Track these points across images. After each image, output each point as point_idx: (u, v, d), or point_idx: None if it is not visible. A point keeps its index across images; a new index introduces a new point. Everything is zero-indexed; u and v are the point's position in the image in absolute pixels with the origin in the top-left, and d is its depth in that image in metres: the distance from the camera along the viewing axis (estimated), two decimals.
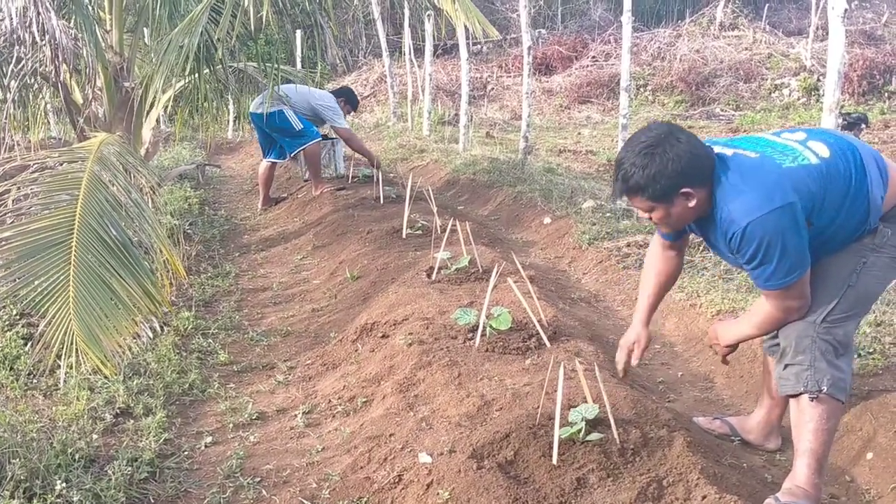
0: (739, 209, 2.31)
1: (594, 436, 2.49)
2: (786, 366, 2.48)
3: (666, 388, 3.54)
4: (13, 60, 4.62)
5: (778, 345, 2.59)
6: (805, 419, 2.43)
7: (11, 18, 4.22)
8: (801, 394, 2.43)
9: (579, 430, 2.50)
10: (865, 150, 2.48)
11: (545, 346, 3.35)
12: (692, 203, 2.39)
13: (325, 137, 7.71)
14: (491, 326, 3.46)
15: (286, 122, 7.13)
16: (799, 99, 14.28)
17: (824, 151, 2.42)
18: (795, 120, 12.40)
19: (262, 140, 7.60)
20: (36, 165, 4.19)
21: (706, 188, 2.39)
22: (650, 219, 2.51)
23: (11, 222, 3.73)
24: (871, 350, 3.26)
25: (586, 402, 2.59)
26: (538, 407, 2.69)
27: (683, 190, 2.37)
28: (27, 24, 4.25)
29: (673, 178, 2.34)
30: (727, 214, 2.35)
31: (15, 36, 4.26)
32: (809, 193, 2.34)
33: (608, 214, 5.97)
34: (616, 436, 2.50)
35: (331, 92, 7.82)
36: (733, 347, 2.78)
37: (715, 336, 2.80)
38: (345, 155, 8.48)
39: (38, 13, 4.29)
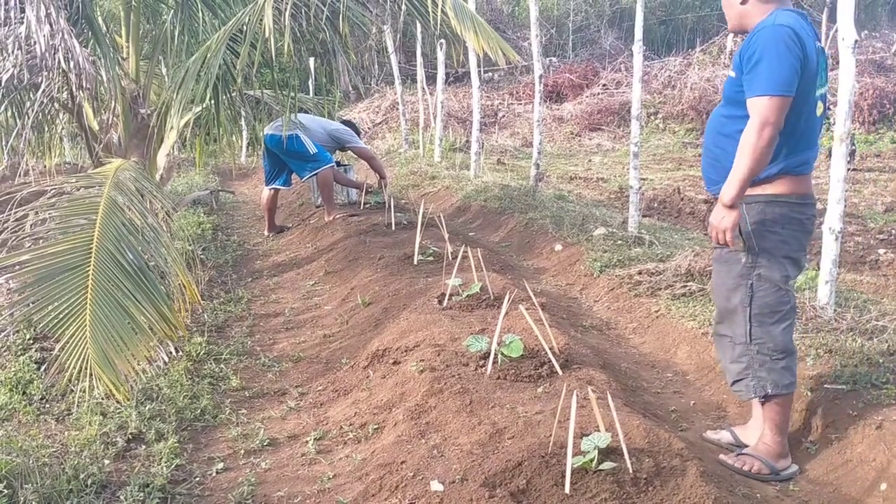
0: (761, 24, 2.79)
1: (607, 465, 2.49)
2: (734, 381, 3.07)
3: (678, 417, 3.52)
4: (33, 87, 4.69)
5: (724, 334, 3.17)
6: (765, 411, 3.02)
7: (40, 45, 4.29)
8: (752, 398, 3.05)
9: (592, 459, 2.50)
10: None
11: (557, 373, 3.35)
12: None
13: (338, 164, 7.81)
14: (503, 354, 3.47)
15: (301, 147, 7.24)
16: None
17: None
18: None
19: (268, 166, 7.68)
20: (53, 190, 4.23)
21: (762, 6, 2.83)
22: None
23: (29, 246, 3.76)
24: (884, 380, 3.25)
25: (599, 430, 2.59)
26: (550, 435, 2.69)
27: None
28: (52, 50, 4.33)
29: None
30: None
31: (42, 62, 4.32)
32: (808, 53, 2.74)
33: (619, 242, 5.98)
34: (629, 465, 2.49)
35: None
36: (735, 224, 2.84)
37: (716, 220, 2.87)
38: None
39: (63, 40, 4.37)
